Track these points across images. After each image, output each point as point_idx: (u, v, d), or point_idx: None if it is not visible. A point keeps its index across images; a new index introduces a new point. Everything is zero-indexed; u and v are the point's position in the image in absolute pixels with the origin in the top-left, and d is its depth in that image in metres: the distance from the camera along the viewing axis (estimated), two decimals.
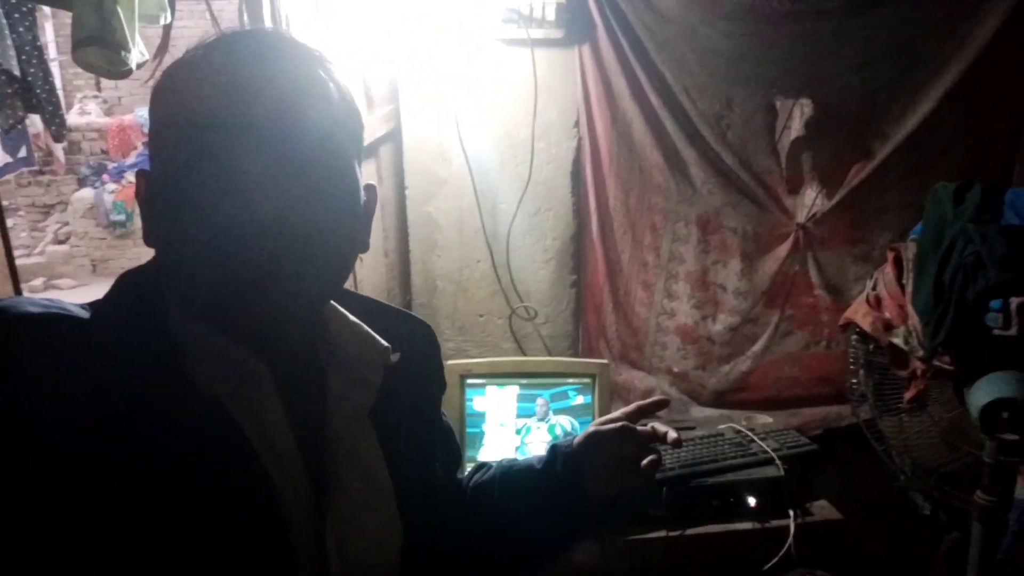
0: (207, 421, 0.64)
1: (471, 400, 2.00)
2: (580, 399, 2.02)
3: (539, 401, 2.01)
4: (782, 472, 2.04)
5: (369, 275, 2.24)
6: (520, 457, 1.03)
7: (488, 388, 2.01)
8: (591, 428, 0.95)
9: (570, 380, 2.03)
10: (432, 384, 0.89)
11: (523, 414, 2.01)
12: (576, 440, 0.94)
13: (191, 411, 0.63)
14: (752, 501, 2.02)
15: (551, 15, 2.07)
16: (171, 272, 0.67)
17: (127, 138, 7.00)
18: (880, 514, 2.26)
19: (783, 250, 2.34)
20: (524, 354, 2.41)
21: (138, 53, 1.27)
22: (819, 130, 2.24)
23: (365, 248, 0.74)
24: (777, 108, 2.26)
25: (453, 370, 1.99)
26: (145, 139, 4.49)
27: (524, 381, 2.02)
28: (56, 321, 0.64)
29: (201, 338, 0.66)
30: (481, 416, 2.00)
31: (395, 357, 0.77)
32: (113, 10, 1.19)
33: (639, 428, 0.94)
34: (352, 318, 0.77)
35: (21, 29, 2.31)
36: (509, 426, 2.00)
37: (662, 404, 1.01)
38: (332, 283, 0.72)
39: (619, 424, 0.94)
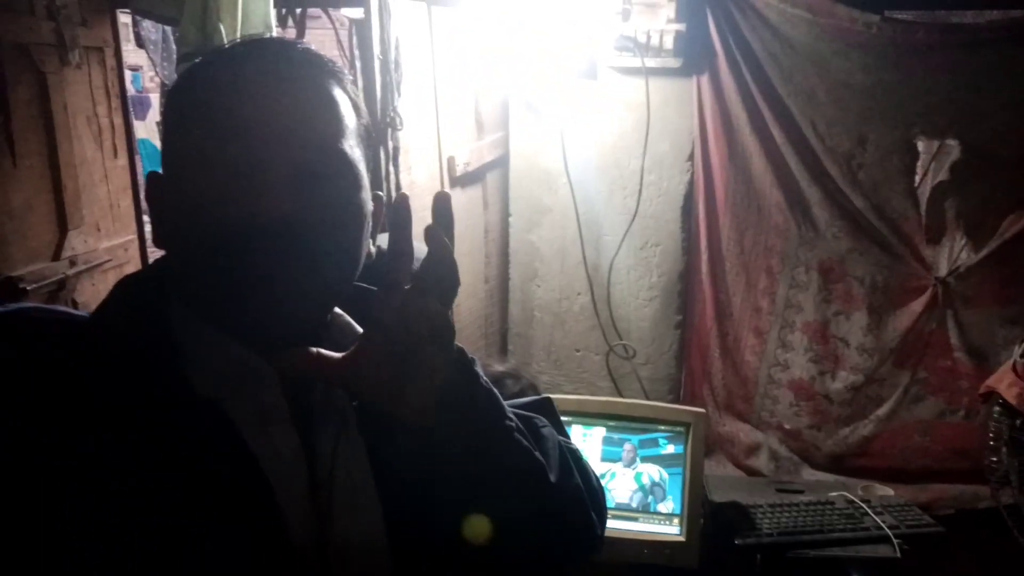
0: (202, 425, 0.63)
1: None
2: (671, 448, 1.89)
3: (626, 446, 1.90)
4: (898, 553, 1.82)
5: (466, 300, 2.22)
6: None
7: (573, 427, 1.91)
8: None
9: (661, 427, 1.89)
10: None
11: (608, 458, 1.90)
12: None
13: (185, 415, 0.62)
14: None
15: (669, 43, 1.99)
16: (179, 273, 0.67)
17: None
18: None
19: (918, 305, 2.11)
20: (621, 394, 2.31)
21: None
22: (967, 174, 2.01)
23: (370, 258, 0.73)
24: (919, 148, 2.05)
25: None
26: None
27: (612, 423, 1.91)
28: (55, 326, 0.66)
29: (205, 340, 0.66)
30: None
31: None
32: (215, 27, 1.23)
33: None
34: (347, 318, 0.75)
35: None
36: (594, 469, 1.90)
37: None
38: (338, 289, 0.71)
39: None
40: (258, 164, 0.62)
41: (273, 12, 1.36)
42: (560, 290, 2.27)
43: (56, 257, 2.16)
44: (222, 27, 1.23)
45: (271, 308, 0.64)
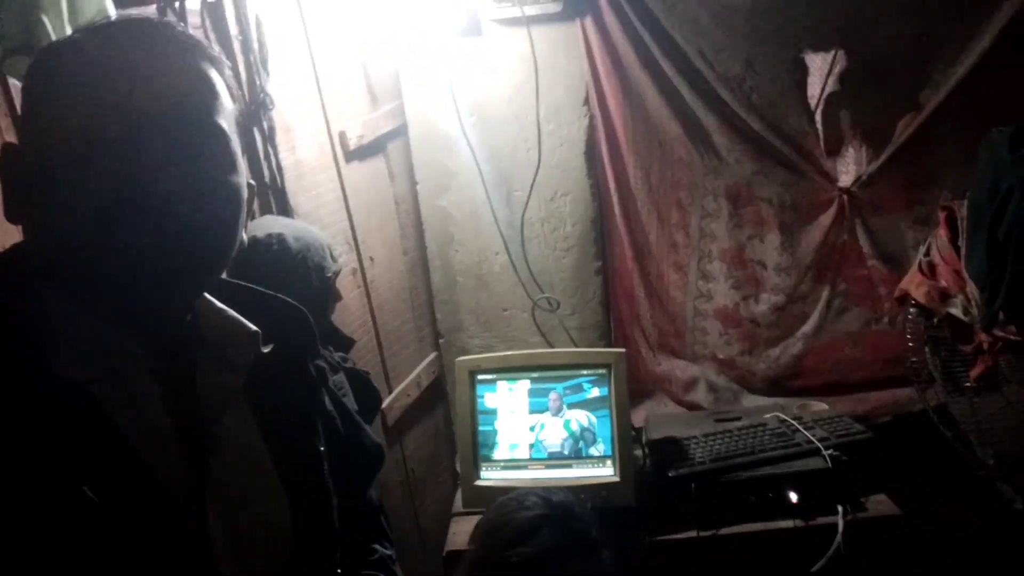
0: (69, 408, 0.62)
1: (482, 397, 1.91)
2: (596, 391, 1.90)
3: (552, 395, 1.90)
4: (829, 464, 1.85)
5: (385, 274, 2.21)
6: None
7: (499, 384, 1.92)
8: None
9: (584, 372, 1.90)
10: (307, 366, 0.88)
11: (536, 409, 1.90)
12: None
13: (51, 398, 0.61)
14: (794, 496, 1.83)
15: None
16: (43, 249, 0.66)
17: None
18: (958, 510, 2.00)
19: (827, 219, 2.12)
20: (552, 348, 2.31)
21: None
22: (858, 83, 2.02)
23: (242, 247, 0.74)
24: (807, 64, 2.05)
25: (462, 367, 1.92)
26: None
27: (536, 375, 1.91)
28: None
29: (71, 322, 0.65)
30: (493, 413, 1.91)
31: (267, 349, 0.78)
32: (38, 19, 1.19)
33: None
34: (219, 304, 0.78)
35: None
36: (522, 423, 1.91)
37: None
38: (211, 268, 0.72)
39: None
40: (132, 139, 0.62)
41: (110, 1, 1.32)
42: (478, 252, 2.26)
43: None
44: (45, 19, 1.19)
45: (143, 283, 0.64)
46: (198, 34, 1.64)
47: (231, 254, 0.72)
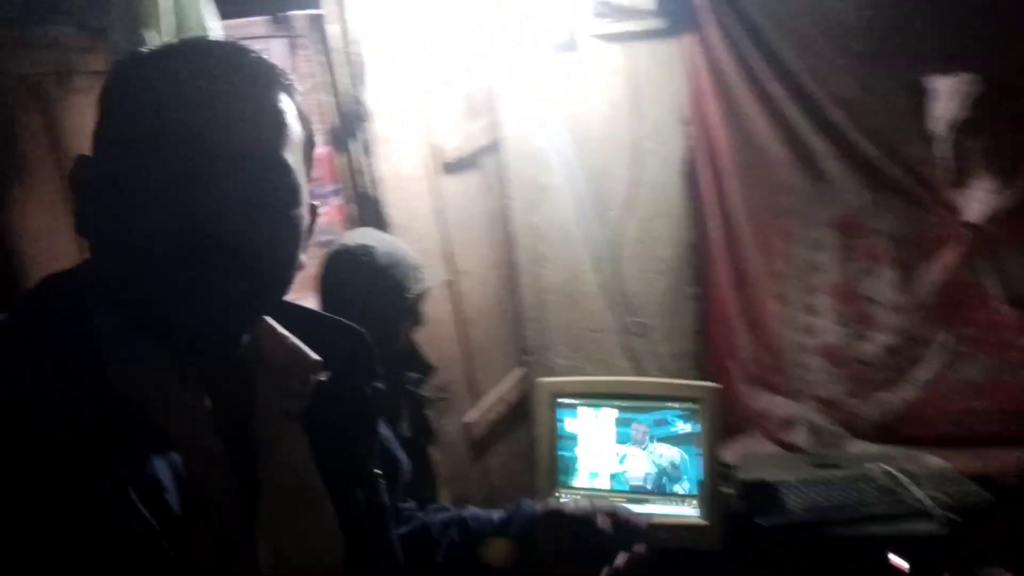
0: (127, 424, 0.62)
1: (562, 421, 1.85)
2: (685, 426, 1.79)
3: (635, 426, 1.82)
4: (941, 528, 1.67)
5: (476, 288, 2.19)
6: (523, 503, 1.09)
7: (580, 409, 1.85)
8: (556, 505, 1.06)
9: (672, 405, 1.81)
10: (366, 390, 0.87)
11: (621, 440, 1.83)
12: (539, 509, 1.04)
13: (110, 414, 0.62)
14: (899, 562, 1.67)
15: (648, 4, 1.90)
16: (103, 268, 0.67)
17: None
18: None
19: (949, 255, 1.94)
20: (645, 373, 2.23)
21: None
22: (988, 107, 1.83)
23: (301, 267, 0.74)
24: (931, 87, 1.88)
25: (543, 388, 1.86)
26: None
27: (622, 404, 1.84)
28: None
29: (126, 340, 0.66)
30: (573, 439, 1.85)
31: (325, 376, 0.79)
32: (143, 35, 1.24)
33: (600, 514, 1.01)
34: (282, 330, 0.78)
35: None
36: (606, 452, 1.83)
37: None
38: (269, 302, 0.73)
39: (582, 511, 1.03)
40: (200, 179, 0.63)
41: (211, 13, 1.36)
42: (568, 270, 2.22)
43: None
44: (150, 34, 1.24)
45: (199, 317, 0.65)
46: (302, 43, 1.69)
47: (288, 285, 0.72)
